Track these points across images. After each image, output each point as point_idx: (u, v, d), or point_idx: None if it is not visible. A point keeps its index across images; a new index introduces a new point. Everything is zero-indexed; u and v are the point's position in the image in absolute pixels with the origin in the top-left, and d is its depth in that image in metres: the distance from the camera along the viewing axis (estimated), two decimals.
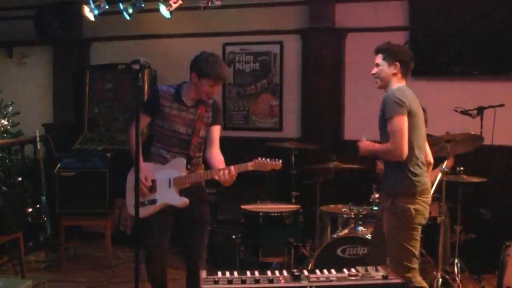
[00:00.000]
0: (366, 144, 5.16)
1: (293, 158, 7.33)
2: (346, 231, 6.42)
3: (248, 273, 3.62)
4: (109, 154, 7.93)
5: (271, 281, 3.47)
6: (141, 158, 5.20)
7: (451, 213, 6.89)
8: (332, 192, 7.72)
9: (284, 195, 7.71)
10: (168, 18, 8.41)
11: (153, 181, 5.26)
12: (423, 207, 4.86)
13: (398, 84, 5.06)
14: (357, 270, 3.65)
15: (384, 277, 3.52)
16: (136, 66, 4.40)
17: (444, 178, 6.03)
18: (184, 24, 9.16)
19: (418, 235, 4.93)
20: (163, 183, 5.24)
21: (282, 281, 3.49)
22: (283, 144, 7.44)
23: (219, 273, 3.61)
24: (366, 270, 3.65)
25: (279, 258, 6.45)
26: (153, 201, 5.27)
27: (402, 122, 4.77)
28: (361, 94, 8.46)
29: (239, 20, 9.09)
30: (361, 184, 7.46)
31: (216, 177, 5.06)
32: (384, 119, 4.88)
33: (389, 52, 5.11)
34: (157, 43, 9.38)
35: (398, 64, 5.06)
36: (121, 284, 7.03)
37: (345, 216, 6.60)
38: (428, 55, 8.09)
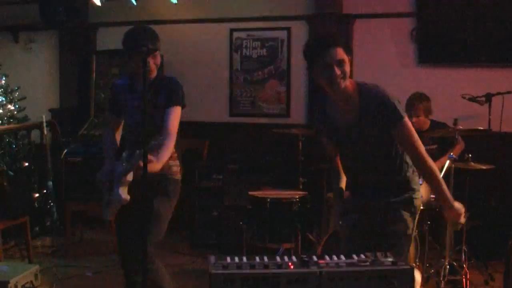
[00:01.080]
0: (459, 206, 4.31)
1: (300, 145, 7.30)
2: None
3: (257, 258, 3.60)
4: None
5: (280, 266, 3.44)
6: (108, 158, 4.92)
7: (458, 201, 6.86)
8: None
9: (291, 182, 7.70)
10: (175, 4, 8.43)
11: (111, 181, 4.75)
12: None
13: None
14: (366, 256, 3.63)
15: (394, 263, 3.50)
16: (144, 50, 4.36)
17: (452, 165, 6.01)
18: (190, 9, 9.16)
19: None
20: (117, 181, 4.67)
21: (291, 266, 3.46)
22: (291, 130, 7.42)
23: (228, 258, 3.59)
24: (375, 256, 3.62)
25: (286, 244, 6.44)
26: (110, 203, 4.77)
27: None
28: (369, 80, 8.39)
29: (246, 6, 9.07)
30: None
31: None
32: (389, 123, 4.03)
33: (346, 44, 4.08)
34: (163, 29, 9.27)
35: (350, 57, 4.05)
36: None
37: None
38: (436, 42, 8.05)
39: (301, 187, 7.12)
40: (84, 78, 9.54)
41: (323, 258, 3.60)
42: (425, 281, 6.28)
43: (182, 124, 9.08)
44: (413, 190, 4.35)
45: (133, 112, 4.86)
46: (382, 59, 8.42)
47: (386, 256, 3.64)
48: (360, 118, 4.10)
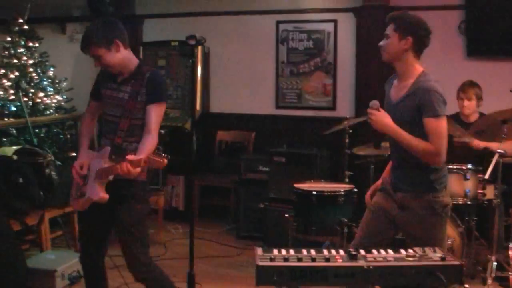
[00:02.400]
0: (387, 117, 4.29)
1: (346, 138, 7.26)
2: None
3: (304, 251, 3.59)
4: (162, 131, 7.94)
5: (327, 259, 3.44)
6: (84, 145, 4.81)
7: (506, 196, 6.78)
8: None
9: (337, 175, 7.67)
10: None
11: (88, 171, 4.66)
12: None
13: (415, 64, 4.39)
14: (414, 251, 3.60)
15: (442, 259, 3.46)
16: (192, 41, 4.38)
17: (501, 160, 5.92)
18: (237, 1, 9.17)
19: None
20: (91, 175, 4.58)
21: (339, 260, 3.46)
22: (337, 123, 7.38)
23: (275, 251, 3.59)
24: (424, 251, 3.59)
25: (331, 237, 6.41)
26: (82, 194, 4.65)
27: (446, 125, 4.22)
28: None
29: None
30: None
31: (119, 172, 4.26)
32: (420, 113, 4.19)
33: (403, 23, 4.30)
34: (209, 20, 9.36)
35: (410, 39, 4.27)
36: (173, 260, 7.07)
37: None
38: (485, 35, 7.92)
39: (347, 180, 7.07)
40: None
41: (371, 252, 3.58)
42: (471, 277, 6.22)
43: (228, 116, 9.16)
44: (435, 191, 4.31)
45: (110, 102, 4.71)
46: (430, 52, 8.19)
47: (434, 251, 3.61)
48: (403, 98, 4.30)
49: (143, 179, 4.63)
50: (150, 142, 4.41)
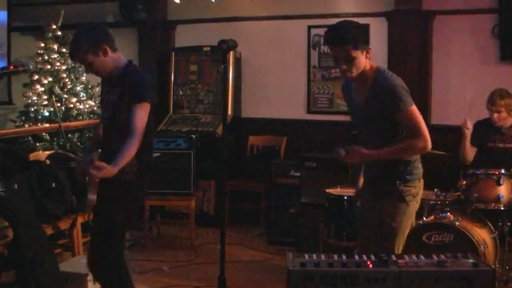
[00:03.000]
0: (359, 151, 4.23)
1: None
2: (431, 217, 6.27)
3: (335, 256, 3.58)
4: (194, 136, 7.97)
5: (358, 265, 3.43)
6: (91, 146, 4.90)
7: None
8: None
9: None
10: (252, 0, 8.45)
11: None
12: None
13: (370, 63, 4.31)
14: (446, 256, 3.58)
15: (474, 264, 3.44)
16: (224, 46, 4.38)
17: None
18: (268, 6, 9.18)
19: None
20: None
21: (370, 265, 3.44)
22: None
23: (306, 256, 3.59)
24: (456, 257, 3.57)
25: None
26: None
27: (417, 110, 4.22)
28: (450, 77, 8.32)
29: (324, 3, 9.01)
30: (447, 170, 7.30)
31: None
32: (390, 110, 4.18)
33: (358, 38, 4.19)
34: (241, 26, 9.38)
35: (368, 47, 4.27)
36: (204, 264, 7.08)
37: (431, 202, 6.46)
38: None
39: None
40: (163, 75, 9.63)
41: (402, 258, 3.56)
42: (504, 283, 6.14)
43: (260, 120, 9.17)
44: (406, 181, 4.34)
45: (104, 105, 4.78)
46: (462, 55, 8.28)
47: (467, 257, 3.58)
48: (367, 99, 4.28)
49: (130, 179, 4.55)
50: (131, 143, 4.33)
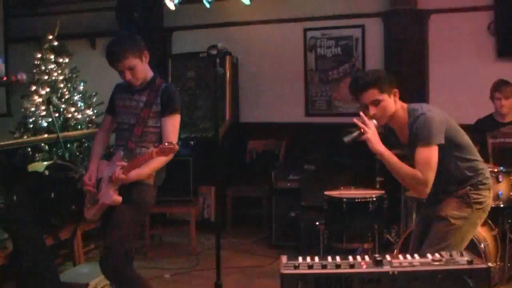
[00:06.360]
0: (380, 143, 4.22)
1: None
2: None
3: (329, 258, 3.56)
4: (192, 142, 7.95)
5: (352, 266, 3.40)
6: (94, 157, 4.94)
7: None
8: None
9: (368, 181, 7.61)
10: (248, 5, 8.44)
11: (100, 179, 4.80)
12: None
13: (399, 104, 4.34)
14: (441, 255, 3.55)
15: (469, 262, 3.40)
16: (214, 51, 4.37)
17: None
18: (264, 10, 9.18)
19: None
20: (105, 181, 4.72)
21: (364, 266, 3.41)
22: None
23: (300, 258, 3.56)
24: (451, 255, 3.54)
25: (363, 244, 6.37)
26: (96, 201, 4.79)
27: (437, 155, 4.13)
28: (447, 76, 8.30)
29: (320, 5, 9.01)
30: None
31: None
32: (415, 142, 4.16)
33: (384, 82, 4.23)
34: (238, 30, 9.38)
35: (395, 89, 4.30)
36: (206, 271, 7.04)
37: None
38: None
39: (378, 186, 7.02)
40: None
41: (397, 258, 3.54)
42: (506, 280, 6.12)
43: (258, 125, 9.16)
44: (477, 189, 4.32)
45: (126, 111, 4.81)
46: (459, 53, 8.27)
47: (461, 255, 3.55)
48: (409, 141, 4.26)
49: (149, 182, 4.71)
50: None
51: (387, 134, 4.60)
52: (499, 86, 6.70)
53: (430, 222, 4.38)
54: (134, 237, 4.86)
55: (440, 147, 4.11)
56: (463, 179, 4.31)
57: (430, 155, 4.09)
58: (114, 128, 5.06)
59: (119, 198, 4.58)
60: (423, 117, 4.14)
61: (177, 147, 4.30)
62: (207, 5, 8.31)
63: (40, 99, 8.70)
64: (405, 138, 4.34)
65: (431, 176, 4.09)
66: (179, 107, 4.74)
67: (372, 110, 4.17)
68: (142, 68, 4.68)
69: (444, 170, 4.23)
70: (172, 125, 4.64)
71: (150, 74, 4.79)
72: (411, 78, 8.31)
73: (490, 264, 3.51)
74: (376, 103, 4.17)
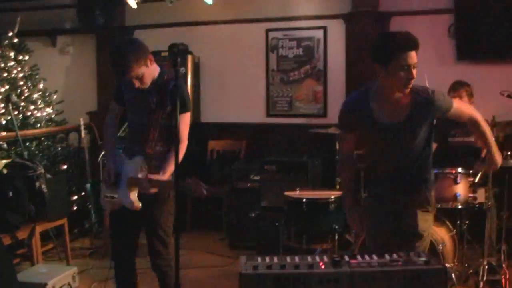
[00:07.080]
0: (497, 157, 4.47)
1: (337, 144, 7.23)
2: None
3: (288, 258, 3.56)
4: None
5: (311, 266, 3.41)
6: (111, 152, 4.98)
7: (497, 199, 6.75)
8: None
9: (328, 182, 7.64)
10: (210, 4, 8.43)
11: (119, 174, 4.81)
12: None
13: None
14: (399, 256, 3.57)
15: (426, 263, 3.44)
16: (174, 50, 4.34)
17: None
18: (226, 10, 9.15)
19: None
20: (124, 180, 4.75)
21: (322, 266, 3.43)
22: (328, 130, 7.34)
23: (259, 259, 3.56)
24: (408, 255, 3.56)
25: (323, 244, 6.40)
26: (113, 197, 4.85)
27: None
28: None
29: (282, 6, 9.01)
30: None
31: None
32: (440, 113, 4.30)
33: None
34: (200, 30, 9.36)
35: None
36: None
37: None
38: (474, 38, 7.93)
39: (338, 187, 7.05)
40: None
41: (355, 258, 3.55)
42: (463, 280, 6.18)
43: (219, 125, 9.15)
44: (429, 190, 4.38)
45: (135, 109, 4.85)
46: (420, 56, 8.26)
47: (419, 256, 3.58)
48: (411, 116, 4.20)
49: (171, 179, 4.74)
50: (181, 152, 4.69)
51: (355, 105, 4.53)
52: (454, 86, 6.93)
53: (402, 213, 4.34)
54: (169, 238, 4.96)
55: (433, 128, 4.36)
56: (428, 173, 4.40)
57: (462, 103, 4.54)
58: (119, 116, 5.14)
59: (139, 205, 4.70)
60: (437, 91, 4.25)
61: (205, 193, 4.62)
62: (169, 4, 8.27)
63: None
64: (399, 116, 4.22)
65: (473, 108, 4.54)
66: (190, 105, 4.86)
67: (415, 72, 4.09)
68: (149, 73, 4.68)
69: (425, 156, 4.38)
70: (185, 123, 4.76)
71: (157, 71, 4.81)
72: (372, 79, 8.32)
73: (447, 265, 3.53)
74: (416, 66, 4.11)
